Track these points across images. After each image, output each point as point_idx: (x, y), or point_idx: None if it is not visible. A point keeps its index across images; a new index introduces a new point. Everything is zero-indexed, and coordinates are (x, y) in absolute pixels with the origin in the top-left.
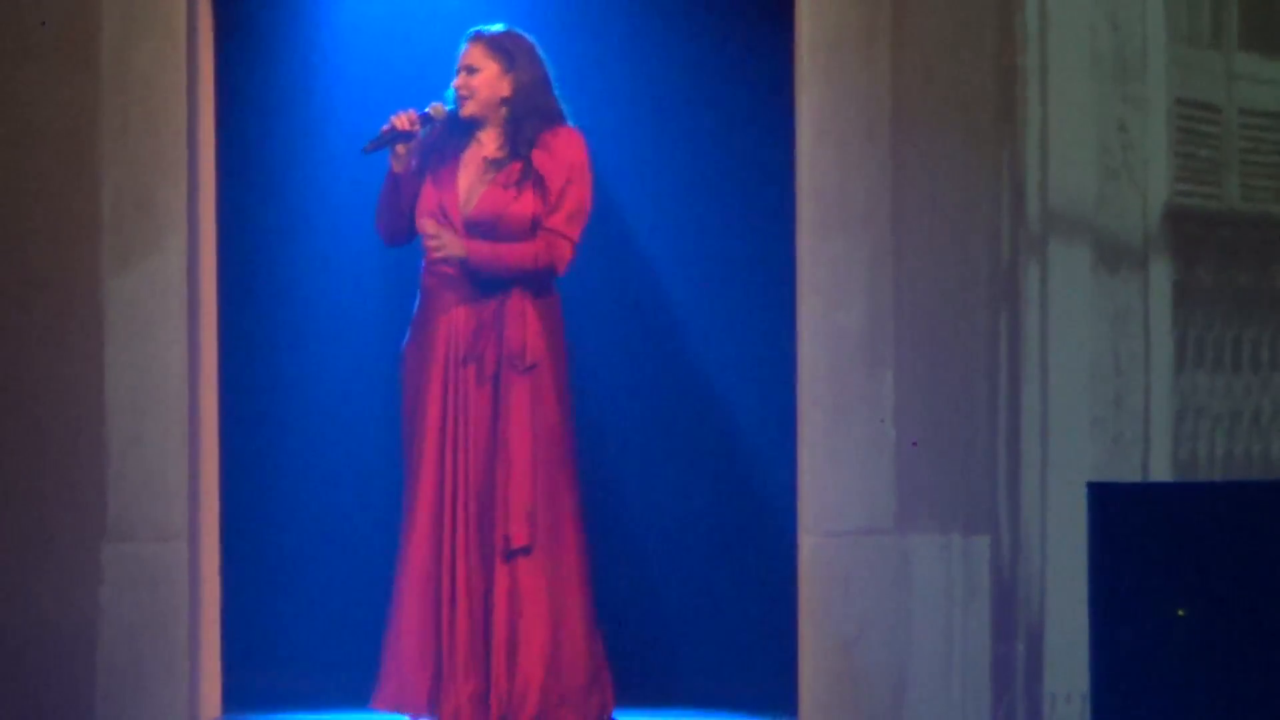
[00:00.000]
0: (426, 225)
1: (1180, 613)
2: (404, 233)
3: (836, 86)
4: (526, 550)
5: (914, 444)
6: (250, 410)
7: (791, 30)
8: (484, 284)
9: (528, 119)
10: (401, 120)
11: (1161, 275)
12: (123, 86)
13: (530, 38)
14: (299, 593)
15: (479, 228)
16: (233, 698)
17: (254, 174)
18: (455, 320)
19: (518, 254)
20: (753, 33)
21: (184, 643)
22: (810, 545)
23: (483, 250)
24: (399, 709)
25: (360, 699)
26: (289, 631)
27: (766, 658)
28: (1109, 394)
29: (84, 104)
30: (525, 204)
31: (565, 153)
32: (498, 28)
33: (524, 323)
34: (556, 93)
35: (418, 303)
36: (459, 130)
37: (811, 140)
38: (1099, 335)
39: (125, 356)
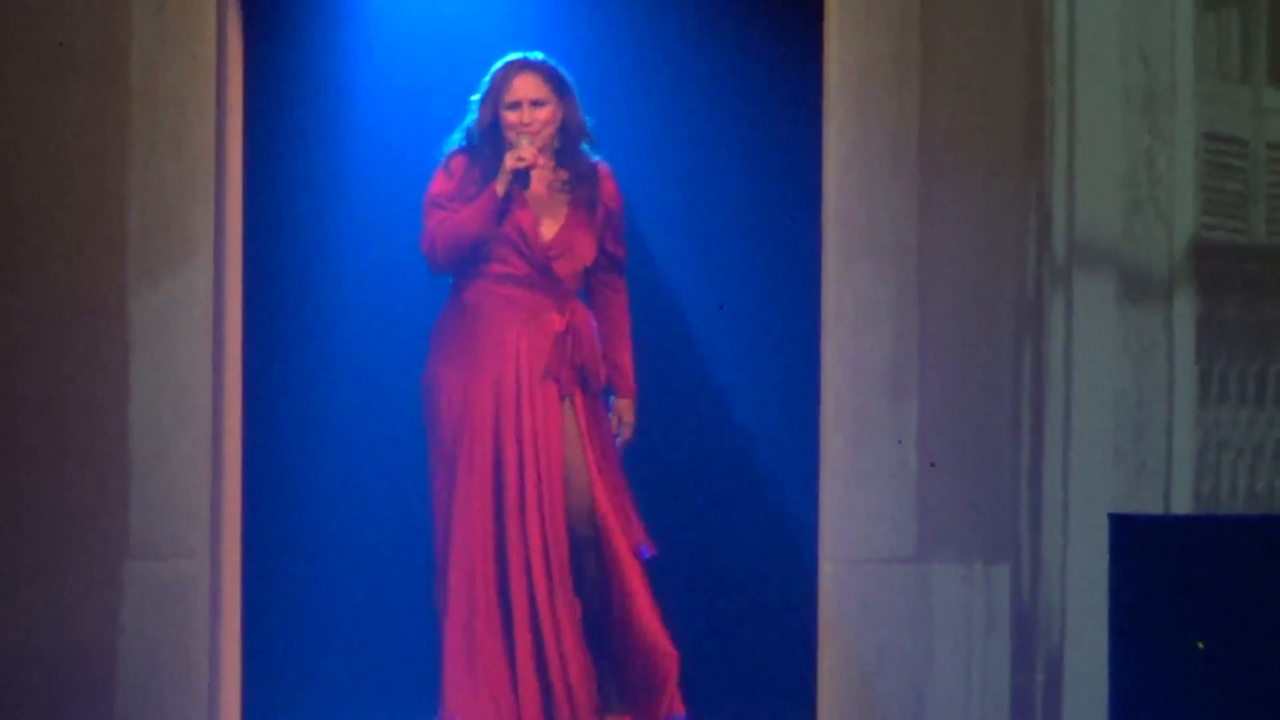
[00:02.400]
0: (519, 156)
1: (1200, 645)
2: (468, 258)
3: (864, 116)
4: (645, 559)
5: (932, 465)
6: (274, 428)
7: (819, 60)
8: (558, 301)
9: (575, 145)
10: (528, 154)
11: (1186, 308)
12: (151, 106)
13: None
14: (319, 612)
15: (554, 254)
16: (252, 716)
17: (281, 194)
18: (519, 341)
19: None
20: (781, 62)
21: (204, 661)
22: (831, 572)
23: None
24: None
25: (380, 714)
26: (309, 650)
27: (786, 685)
28: (1132, 426)
29: (112, 123)
30: (595, 229)
31: (614, 188)
32: (538, 56)
33: (595, 341)
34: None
35: (449, 319)
36: (497, 158)
37: (838, 169)
38: (1122, 367)
39: (149, 374)
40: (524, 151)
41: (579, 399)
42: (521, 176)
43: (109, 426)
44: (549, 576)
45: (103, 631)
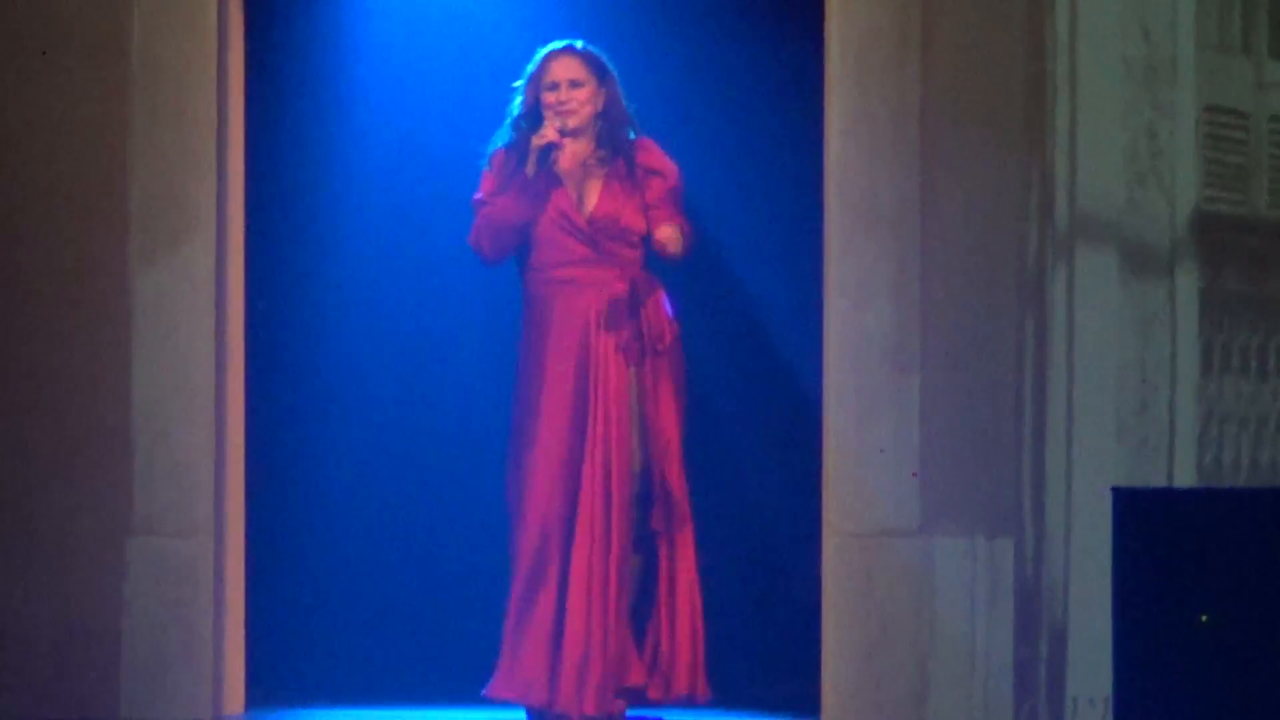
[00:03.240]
0: (542, 133)
1: (1203, 618)
2: (515, 248)
3: (866, 90)
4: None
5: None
6: (276, 405)
7: (821, 34)
8: (615, 273)
9: (617, 127)
10: (552, 132)
11: (1188, 281)
12: (153, 81)
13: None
14: (323, 588)
15: (600, 226)
16: (256, 692)
17: (283, 169)
18: (586, 315)
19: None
20: (782, 36)
21: (208, 637)
22: (834, 546)
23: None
24: (522, 698)
25: (384, 692)
26: (313, 626)
27: (790, 658)
28: (1134, 399)
29: (113, 98)
30: (639, 203)
31: (661, 158)
32: (580, 43)
33: (659, 304)
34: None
35: (526, 313)
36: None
37: (840, 143)
38: (1125, 340)
39: (152, 351)
40: (547, 129)
41: (648, 366)
42: (546, 154)
43: (112, 404)
44: (607, 551)
45: (107, 608)
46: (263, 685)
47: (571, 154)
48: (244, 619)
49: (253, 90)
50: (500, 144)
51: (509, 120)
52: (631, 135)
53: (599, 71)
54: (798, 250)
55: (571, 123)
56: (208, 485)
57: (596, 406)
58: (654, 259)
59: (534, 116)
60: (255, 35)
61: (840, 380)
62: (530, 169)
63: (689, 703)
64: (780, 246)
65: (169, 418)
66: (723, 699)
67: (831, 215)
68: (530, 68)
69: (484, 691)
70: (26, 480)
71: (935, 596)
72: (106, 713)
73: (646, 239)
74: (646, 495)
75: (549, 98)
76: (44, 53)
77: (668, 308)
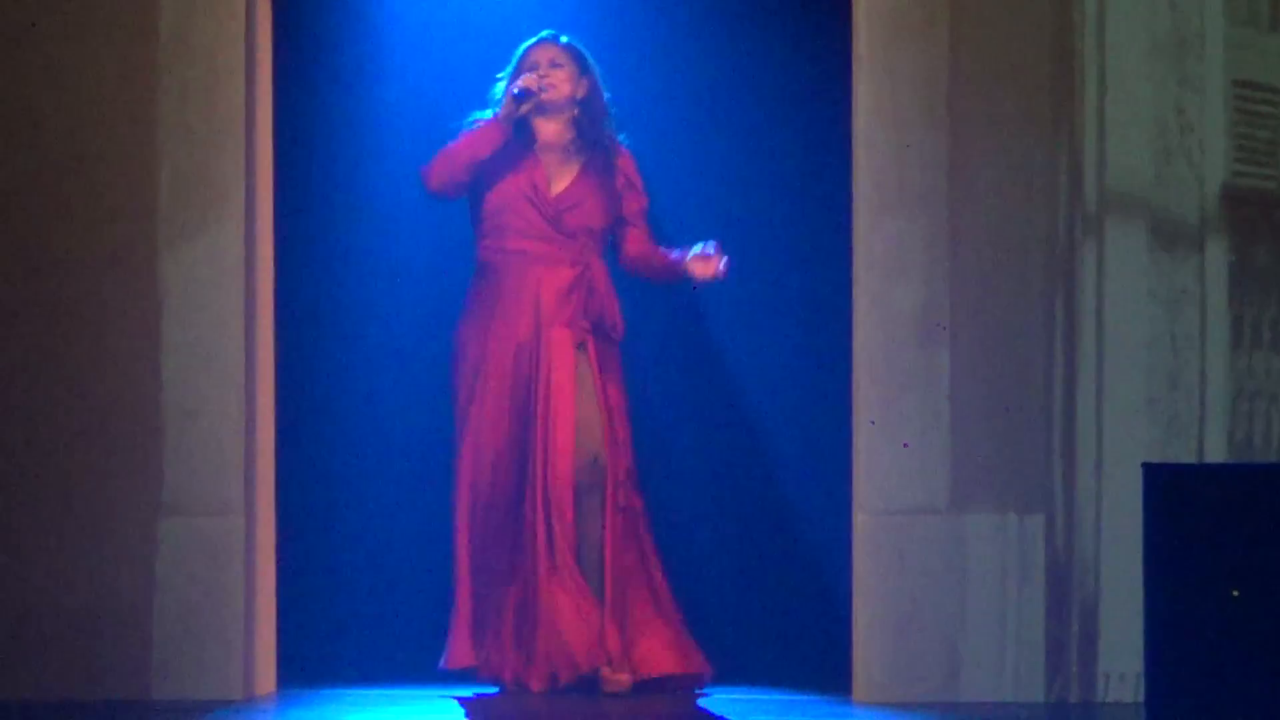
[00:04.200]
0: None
1: (1235, 593)
2: (462, 186)
3: (894, 67)
4: (634, 512)
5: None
6: (306, 384)
7: (849, 12)
8: (572, 254)
9: (596, 121)
10: (531, 80)
11: (1218, 256)
12: (181, 61)
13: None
14: (355, 567)
15: (565, 208)
16: (288, 671)
17: (311, 148)
18: (538, 290)
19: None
20: (809, 13)
21: (240, 616)
22: (864, 523)
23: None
24: (473, 669)
25: (415, 671)
26: (345, 605)
27: (821, 635)
28: (1165, 374)
29: (142, 78)
30: (607, 199)
31: (638, 176)
32: (565, 37)
33: (612, 293)
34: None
35: (475, 282)
36: (521, 122)
37: (868, 120)
38: (1155, 316)
39: (182, 331)
40: (527, 77)
41: (592, 347)
42: (520, 99)
43: (142, 384)
44: (549, 523)
45: (138, 587)
46: (294, 664)
47: (552, 132)
48: (275, 598)
49: (281, 70)
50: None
51: (491, 105)
52: (614, 134)
53: (580, 61)
54: (826, 228)
55: (552, 95)
56: (238, 465)
57: (540, 383)
58: (611, 253)
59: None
60: (283, 15)
61: (869, 357)
62: (503, 112)
63: (696, 680)
64: (809, 225)
65: (199, 397)
66: (753, 677)
67: (860, 192)
68: (514, 58)
69: (441, 664)
70: (58, 461)
71: (966, 573)
72: (138, 692)
73: (606, 236)
74: (610, 474)
75: (535, 75)
76: (72, 35)
77: (617, 300)
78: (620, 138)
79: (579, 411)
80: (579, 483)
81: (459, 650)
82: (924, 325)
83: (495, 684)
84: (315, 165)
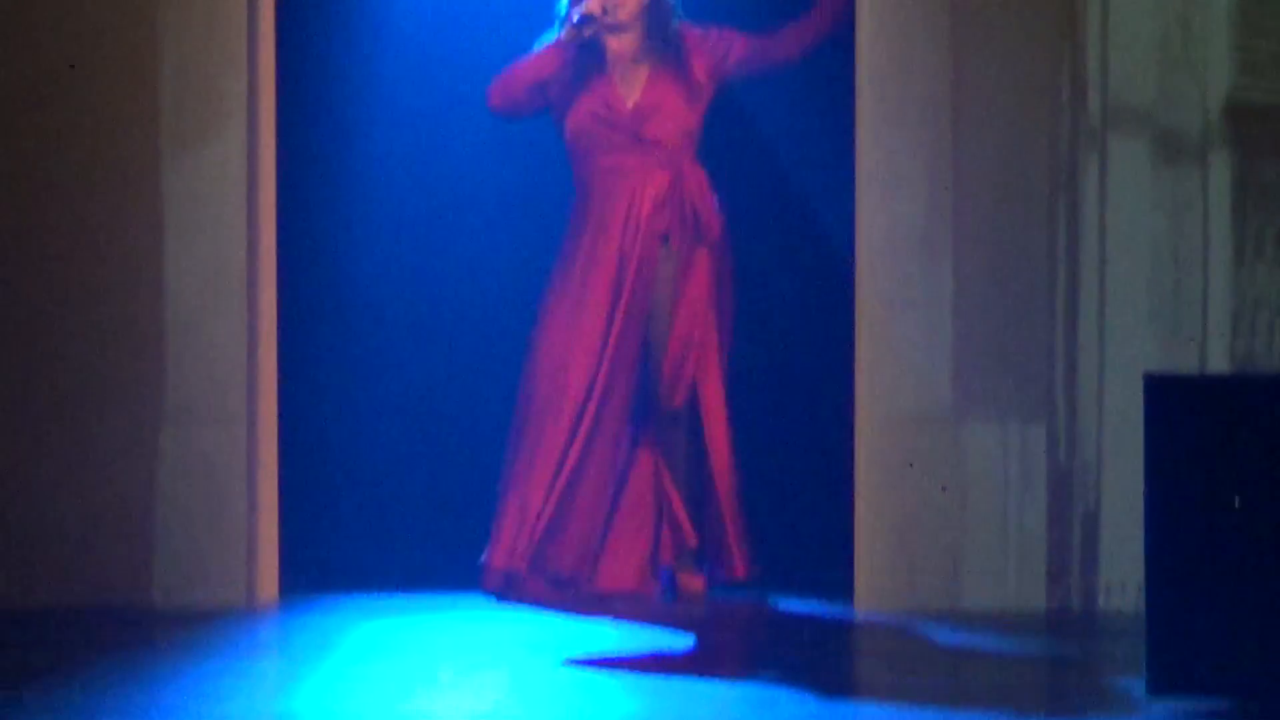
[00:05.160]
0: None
1: (1236, 503)
2: (523, 106)
3: None
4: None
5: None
6: (308, 295)
7: None
8: (658, 161)
9: (664, 22)
10: (594, 5)
11: (1221, 169)
12: None
13: None
14: (355, 476)
15: (644, 115)
16: (290, 578)
17: (314, 61)
18: (631, 202)
19: None
20: None
21: (242, 524)
22: (868, 432)
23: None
24: (509, 567)
25: (415, 579)
26: (345, 514)
27: (823, 542)
28: (1167, 286)
29: None
30: (686, 94)
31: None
32: None
33: (705, 194)
34: None
35: (575, 205)
36: (591, 45)
37: (871, 33)
38: (1157, 228)
39: (184, 243)
40: (589, 4)
41: (692, 253)
42: (583, 25)
43: (145, 295)
44: (620, 421)
45: (142, 497)
46: (296, 571)
47: (622, 46)
48: (277, 506)
49: None
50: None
51: (558, 20)
52: (675, 23)
53: None
54: (831, 139)
55: (621, 15)
56: (240, 374)
57: (625, 298)
58: (703, 150)
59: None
60: None
61: (872, 267)
62: (565, 35)
63: (731, 581)
64: (814, 136)
65: (202, 308)
66: (756, 582)
67: (863, 104)
68: None
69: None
70: (61, 371)
71: (967, 482)
72: (141, 599)
73: (692, 136)
74: (675, 382)
75: (592, 3)
76: None
77: (714, 199)
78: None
79: (655, 309)
80: (656, 384)
81: (503, 551)
82: (926, 236)
83: (544, 585)
84: (319, 77)
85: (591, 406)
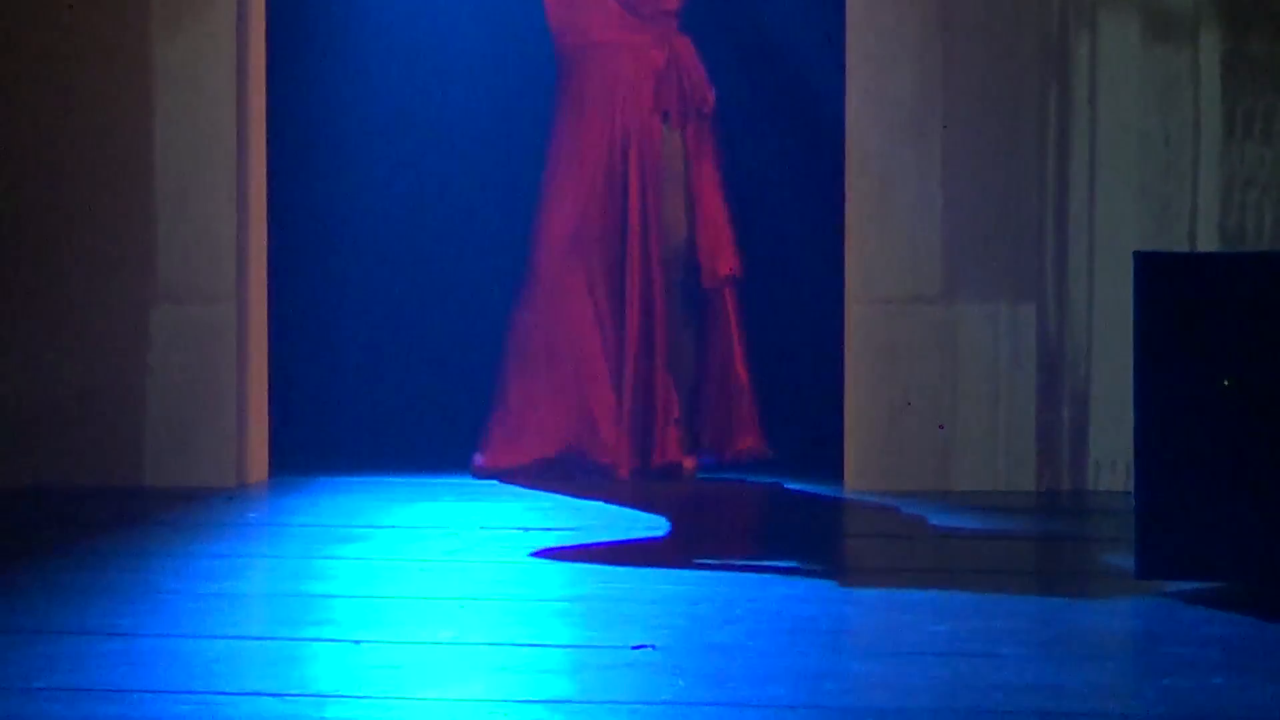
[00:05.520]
0: None
1: (1226, 382)
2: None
3: None
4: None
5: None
6: (298, 171)
7: None
8: (654, 38)
9: None
10: None
11: (1211, 45)
12: None
13: None
14: (345, 355)
15: None
16: (280, 459)
17: None
18: (628, 78)
19: None
20: None
21: (232, 404)
22: (857, 313)
23: None
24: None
25: (408, 460)
26: (336, 394)
27: (813, 423)
28: (1157, 164)
29: None
30: None
31: None
32: None
33: (699, 69)
34: None
35: (561, 80)
36: None
37: None
38: (1147, 105)
39: (174, 120)
40: None
41: (686, 132)
42: None
43: (134, 172)
44: (642, 306)
45: (131, 376)
46: (287, 452)
47: None
48: (268, 386)
49: None
50: None
51: None
52: None
53: None
54: (818, 18)
55: None
56: (230, 253)
57: (634, 175)
58: (693, 25)
59: None
60: None
61: (861, 147)
62: None
63: (745, 458)
64: (804, 13)
65: (191, 186)
66: (745, 467)
67: None
68: None
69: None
70: (50, 250)
71: (958, 362)
72: (131, 480)
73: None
74: (693, 261)
75: None
76: None
77: (704, 72)
78: None
79: (664, 201)
80: (669, 270)
81: (500, 447)
82: (916, 115)
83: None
84: None
85: (626, 285)
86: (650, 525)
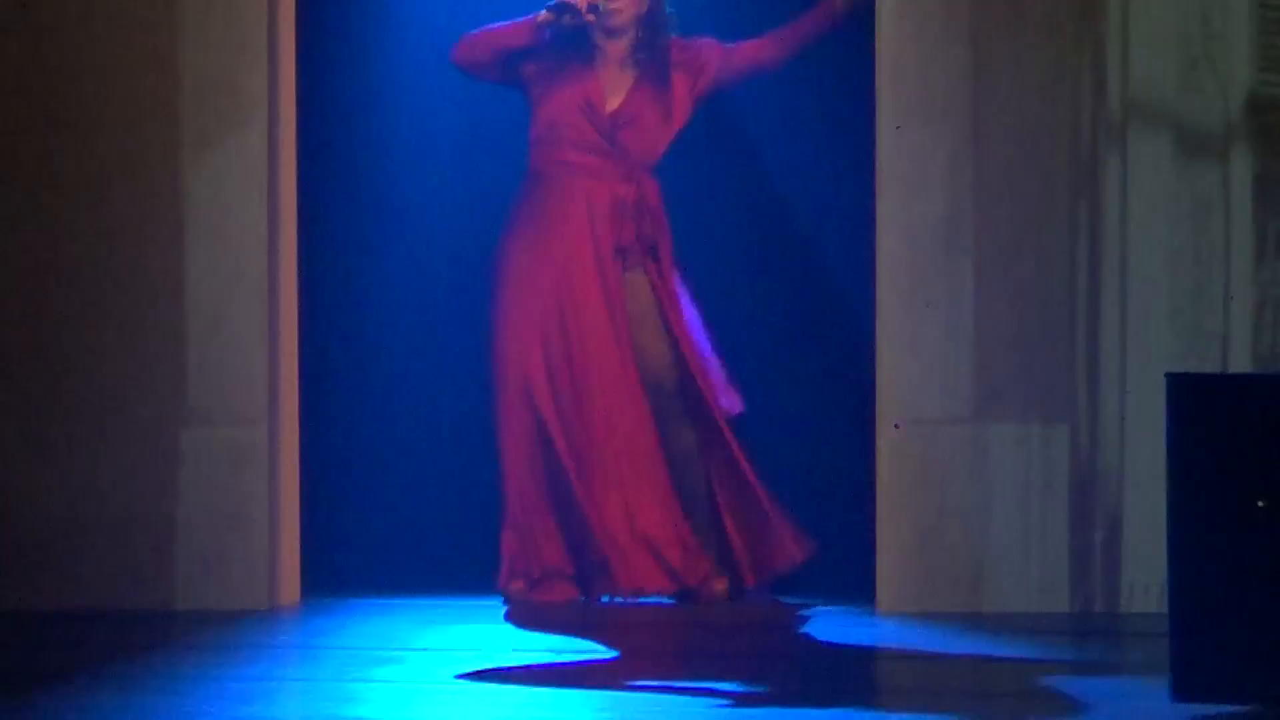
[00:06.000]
0: None
1: (1260, 504)
2: (487, 69)
3: None
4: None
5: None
6: (330, 294)
7: None
8: (623, 171)
9: (658, 32)
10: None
11: (1242, 165)
12: None
13: None
14: (377, 478)
15: (620, 124)
16: (311, 582)
17: (334, 57)
18: (587, 205)
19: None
20: None
21: (263, 527)
22: (889, 435)
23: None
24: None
25: (437, 583)
26: (367, 516)
27: (845, 546)
28: (1188, 285)
29: None
30: (664, 109)
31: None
32: None
33: (662, 213)
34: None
35: (524, 191)
36: (580, 39)
37: (892, 30)
38: (1179, 225)
39: (205, 241)
40: None
41: (652, 270)
42: (563, 10)
43: (165, 295)
44: (592, 445)
45: (162, 499)
46: (318, 574)
47: (615, 49)
48: (299, 508)
49: None
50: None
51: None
52: (671, 36)
53: None
54: (850, 139)
55: (616, 20)
56: (262, 375)
57: (587, 304)
58: (662, 167)
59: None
60: None
61: (893, 267)
62: (543, 16)
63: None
64: (832, 136)
65: (222, 308)
66: (778, 588)
67: (883, 102)
68: None
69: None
70: (81, 371)
71: (990, 484)
72: (162, 603)
73: (658, 155)
74: (685, 391)
75: None
76: None
77: (667, 220)
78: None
79: (638, 339)
80: (653, 405)
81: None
82: (947, 235)
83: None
84: (339, 73)
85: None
86: (679, 651)
